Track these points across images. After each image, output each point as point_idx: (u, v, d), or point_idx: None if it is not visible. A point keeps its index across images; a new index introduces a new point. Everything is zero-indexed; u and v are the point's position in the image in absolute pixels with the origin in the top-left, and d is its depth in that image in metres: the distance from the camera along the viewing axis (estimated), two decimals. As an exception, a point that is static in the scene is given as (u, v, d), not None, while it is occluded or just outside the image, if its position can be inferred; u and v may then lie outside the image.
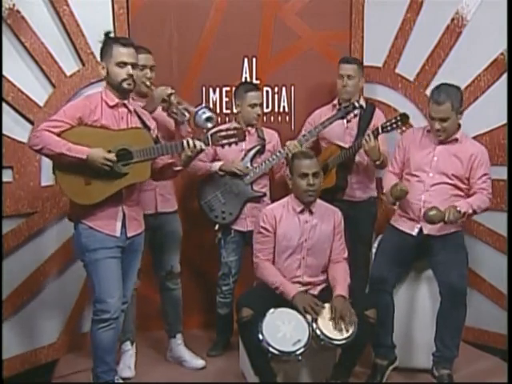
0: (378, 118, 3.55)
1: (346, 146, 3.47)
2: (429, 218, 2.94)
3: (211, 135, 2.80)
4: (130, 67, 2.70)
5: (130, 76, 2.70)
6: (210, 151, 3.36)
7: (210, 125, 2.92)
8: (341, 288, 2.96)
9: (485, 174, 3.10)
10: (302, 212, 3.05)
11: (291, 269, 3.04)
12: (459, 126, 3.14)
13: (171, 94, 3.05)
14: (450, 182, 3.09)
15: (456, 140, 3.13)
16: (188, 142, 2.75)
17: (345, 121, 3.48)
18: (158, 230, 3.24)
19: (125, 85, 2.71)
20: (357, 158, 3.49)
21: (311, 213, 3.06)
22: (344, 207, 3.24)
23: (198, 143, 2.76)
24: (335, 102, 3.62)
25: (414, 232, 3.13)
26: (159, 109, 3.11)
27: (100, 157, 2.61)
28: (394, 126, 3.25)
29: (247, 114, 3.36)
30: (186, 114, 3.01)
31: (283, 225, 3.04)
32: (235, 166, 3.35)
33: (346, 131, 3.55)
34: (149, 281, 3.41)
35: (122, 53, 2.69)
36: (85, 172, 2.63)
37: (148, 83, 3.12)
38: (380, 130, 3.28)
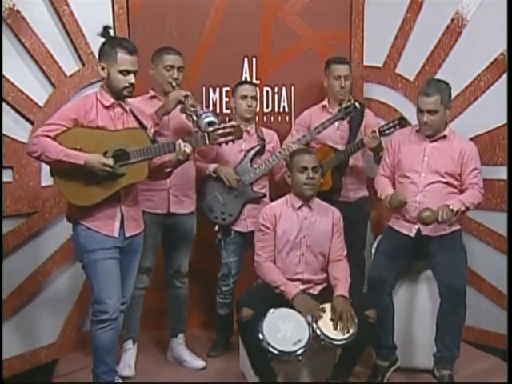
0: (371, 118, 3.57)
1: (338, 147, 3.48)
2: (422, 220, 2.95)
3: (208, 133, 2.80)
4: (132, 76, 2.69)
5: (132, 85, 2.70)
6: (209, 151, 3.36)
7: (210, 129, 2.88)
8: (342, 288, 2.96)
9: (475, 169, 3.09)
10: (300, 208, 3.07)
11: (291, 265, 3.05)
12: (446, 123, 3.14)
13: (186, 95, 3.04)
14: (443, 180, 3.09)
15: (444, 137, 3.13)
16: (180, 145, 2.73)
17: (337, 123, 3.46)
18: (170, 230, 3.26)
19: (125, 92, 2.71)
20: (351, 161, 3.50)
21: (310, 209, 3.07)
22: (339, 208, 3.23)
23: (187, 148, 2.72)
24: (325, 102, 3.61)
25: (412, 233, 3.12)
26: (178, 111, 3.09)
27: (98, 162, 2.59)
28: (392, 129, 3.27)
29: (239, 106, 3.35)
30: (195, 117, 2.97)
31: (283, 221, 3.05)
32: (228, 176, 3.32)
33: (336, 132, 3.54)
34: (150, 281, 3.40)
35: (127, 61, 2.66)
36: (82, 173, 2.62)
37: (174, 84, 3.12)
38: (377, 135, 3.28)
